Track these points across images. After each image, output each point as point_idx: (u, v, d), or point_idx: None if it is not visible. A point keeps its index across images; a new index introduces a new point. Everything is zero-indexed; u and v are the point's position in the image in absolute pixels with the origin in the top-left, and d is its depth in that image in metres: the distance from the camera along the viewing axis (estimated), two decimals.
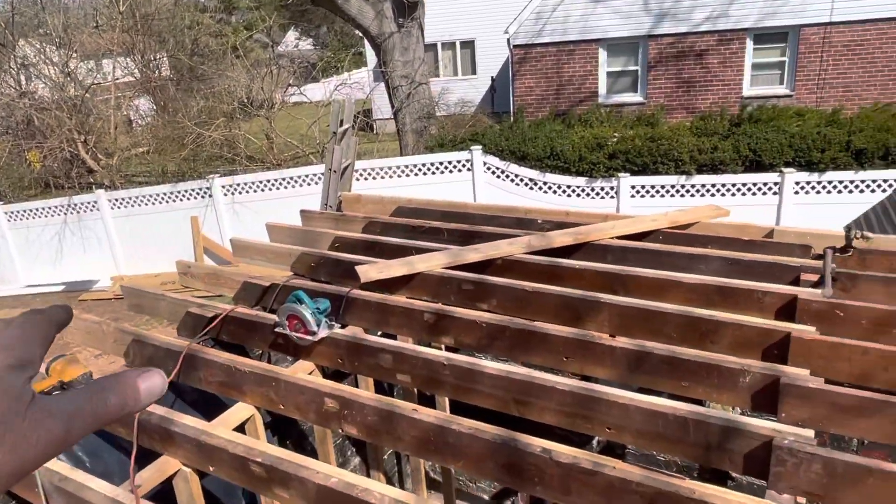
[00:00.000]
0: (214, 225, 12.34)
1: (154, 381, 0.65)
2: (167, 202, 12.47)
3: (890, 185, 8.92)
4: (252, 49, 26.58)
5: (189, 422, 2.54)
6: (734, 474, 4.35)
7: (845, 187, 9.34)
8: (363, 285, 3.55)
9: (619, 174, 9.73)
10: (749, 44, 12.70)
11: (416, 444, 2.39)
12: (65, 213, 13.03)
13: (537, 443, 2.15)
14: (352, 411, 2.55)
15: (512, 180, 10.28)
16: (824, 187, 9.36)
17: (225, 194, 12.19)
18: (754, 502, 1.85)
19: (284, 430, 4.24)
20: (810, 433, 2.08)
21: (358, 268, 3.57)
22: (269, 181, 11.88)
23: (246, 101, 16.11)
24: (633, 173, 9.80)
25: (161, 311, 3.78)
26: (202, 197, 12.28)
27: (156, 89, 19.37)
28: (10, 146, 17.17)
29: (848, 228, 3.50)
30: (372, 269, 3.56)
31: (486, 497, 5.43)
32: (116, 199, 12.76)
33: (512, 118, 12.75)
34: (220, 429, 2.52)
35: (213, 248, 12.42)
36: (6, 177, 16.92)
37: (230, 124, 14.90)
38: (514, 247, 3.68)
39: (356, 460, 4.81)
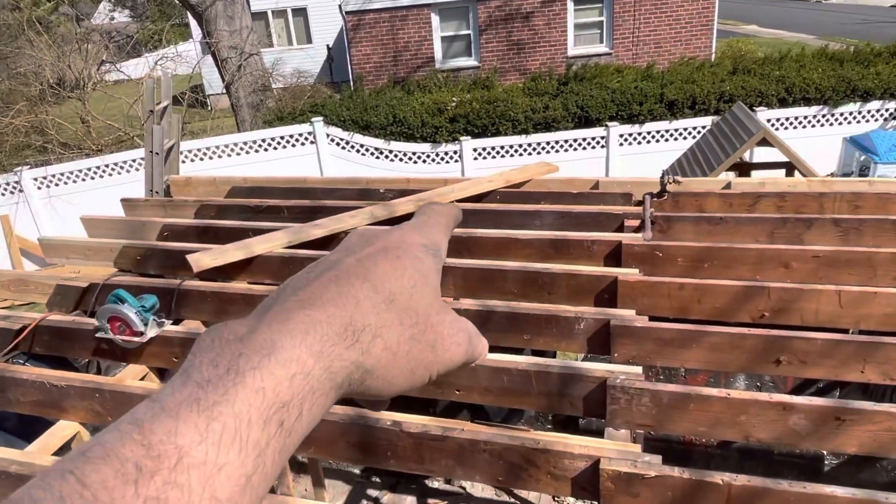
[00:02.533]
0: (30, 222, 11.01)
1: (484, 343, 0.57)
2: None
3: (698, 132, 9.87)
4: (59, 23, 23.73)
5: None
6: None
7: (661, 136, 10.21)
8: (198, 275, 3.31)
9: (462, 137, 9.90)
10: (570, 4, 13.34)
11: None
12: None
13: (387, 416, 2.12)
14: None
15: (358, 150, 10.11)
16: (644, 138, 10.16)
17: (38, 188, 10.88)
18: (595, 442, 1.95)
19: None
20: (638, 370, 2.23)
21: (189, 256, 3.31)
22: (89, 169, 10.75)
23: (54, 82, 14.38)
24: (475, 136, 10.02)
25: None
26: (11, 192, 10.89)
27: None
28: None
29: (663, 174, 3.79)
30: (205, 257, 3.32)
31: (356, 471, 5.41)
32: None
33: (352, 87, 12.49)
34: (39, 456, 2.24)
35: (32, 248, 11.06)
36: None
37: (36, 109, 13.22)
38: (356, 219, 3.60)
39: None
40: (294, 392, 0.38)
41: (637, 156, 9.97)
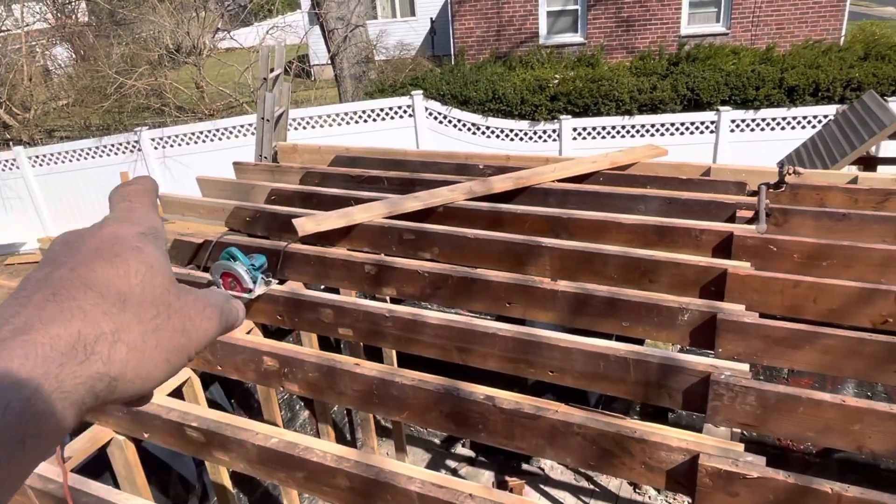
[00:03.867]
0: None
1: (239, 306, 0.56)
2: (93, 157, 11.79)
3: (819, 121, 9.19)
4: None
5: None
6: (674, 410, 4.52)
7: (778, 124, 9.57)
8: (301, 239, 3.43)
9: (561, 116, 9.69)
10: None
11: (359, 398, 2.35)
12: None
13: (480, 390, 2.14)
14: (292, 369, 2.48)
15: (454, 125, 10.11)
16: (758, 125, 9.56)
17: (155, 148, 11.60)
18: (693, 437, 1.89)
19: (230, 386, 4.16)
20: (745, 367, 2.13)
21: (295, 221, 3.44)
22: (201, 133, 11.34)
23: (172, 47, 15.23)
24: (575, 115, 9.78)
25: None
26: (131, 151, 11.66)
27: (73, 36, 18.08)
28: None
29: (781, 164, 3.57)
30: (309, 222, 3.44)
31: (436, 441, 5.51)
32: (37, 156, 11.98)
33: (453, 61, 12.47)
34: (155, 395, 2.41)
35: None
36: None
37: (156, 73, 14.08)
38: (454, 193, 3.61)
39: (305, 414, 4.77)
40: (8, 423, 0.35)
41: (749, 144, 9.41)
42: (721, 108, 9.62)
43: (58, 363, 0.38)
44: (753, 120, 9.58)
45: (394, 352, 4.28)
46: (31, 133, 14.93)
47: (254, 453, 2.08)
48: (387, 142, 9.34)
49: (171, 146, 11.57)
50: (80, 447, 2.38)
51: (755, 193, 3.54)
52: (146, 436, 2.37)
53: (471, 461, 5.25)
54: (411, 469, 1.86)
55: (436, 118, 10.25)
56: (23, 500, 2.07)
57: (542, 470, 5.10)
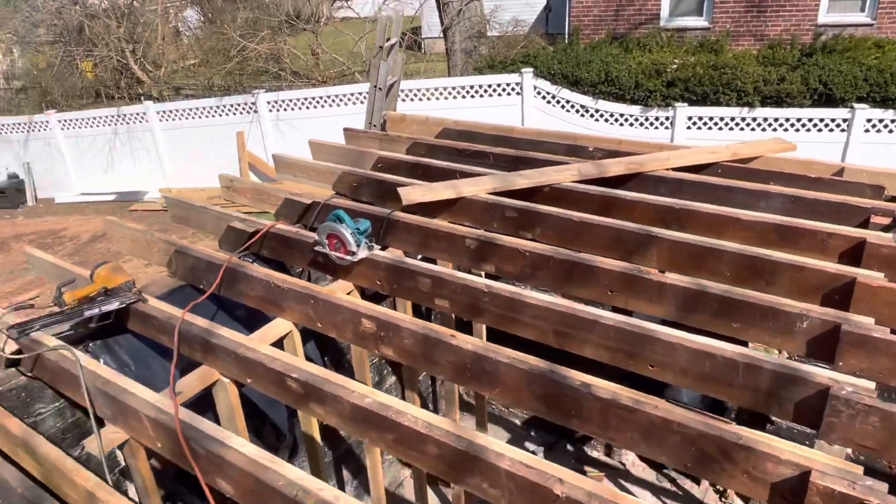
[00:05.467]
0: (259, 141, 12.33)
1: None
2: (213, 116, 12.46)
3: None
4: None
5: (228, 334, 2.56)
6: (774, 419, 4.27)
7: None
8: (405, 207, 3.47)
9: (677, 103, 9.24)
10: None
11: (453, 369, 2.36)
12: (115, 124, 13.17)
13: (577, 376, 2.09)
14: (389, 333, 2.53)
15: (562, 106, 9.88)
16: None
17: (270, 110, 12.10)
18: (805, 452, 1.76)
19: (325, 344, 4.31)
20: (870, 385, 1.96)
21: (401, 189, 3.48)
22: (314, 98, 11.71)
23: (293, 13, 15.73)
24: (692, 103, 9.29)
25: (204, 223, 3.79)
26: (247, 112, 12.23)
27: (203, 0, 19.08)
28: (62, 54, 17.29)
29: None
30: (415, 192, 3.47)
31: (517, 422, 5.50)
32: (164, 112, 12.81)
33: (566, 40, 12.16)
34: (259, 343, 2.53)
35: (257, 164, 12.45)
36: (59, 85, 17.13)
37: (276, 38, 14.62)
38: (563, 174, 3.53)
39: (392, 379, 4.88)
40: None
41: (886, 146, 8.60)
42: (856, 105, 8.85)
43: None
44: (893, 121, 8.75)
45: (483, 328, 4.28)
46: (160, 89, 15.96)
47: (348, 410, 2.14)
48: (491, 118, 9.26)
49: (285, 110, 12.01)
50: (189, 384, 2.54)
51: (895, 199, 3.24)
52: (249, 381, 2.49)
53: (549, 447, 5.20)
54: (502, 446, 1.85)
55: (544, 97, 10.05)
56: (138, 425, 2.24)
57: (623, 465, 4.98)
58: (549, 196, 3.49)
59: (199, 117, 12.68)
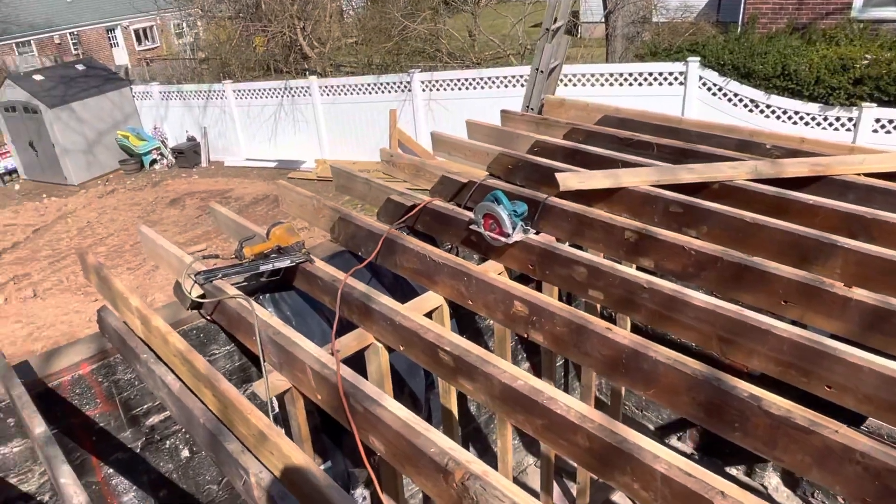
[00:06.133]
0: (410, 119, 12.70)
1: None
2: (369, 93, 12.99)
3: None
4: None
5: (386, 301, 2.66)
6: None
7: None
8: (561, 193, 3.42)
9: (863, 103, 8.30)
10: None
11: (604, 362, 2.30)
12: (281, 96, 14.14)
13: (745, 387, 1.95)
14: (540, 318, 2.51)
15: (729, 100, 9.21)
16: None
17: (423, 90, 12.40)
18: None
19: (465, 325, 4.38)
20: None
21: (558, 175, 3.43)
22: (466, 80, 11.83)
23: None
24: (882, 104, 8.29)
25: (365, 194, 3.97)
26: (401, 91, 12.61)
27: None
28: (241, 29, 18.79)
29: None
30: (573, 178, 3.40)
31: (650, 427, 5.30)
32: (326, 87, 13.54)
33: (739, 29, 11.31)
34: (414, 313, 2.61)
35: (406, 142, 12.84)
36: (236, 57, 18.66)
37: (435, 18, 14.93)
38: (736, 171, 3.30)
39: (526, 365, 4.88)
40: None
41: None
42: None
43: None
44: None
45: (628, 322, 4.14)
46: (323, 66, 16.89)
47: (498, 389, 2.15)
48: (649, 108, 8.86)
49: (438, 90, 12.26)
50: (347, 344, 2.68)
51: None
52: (402, 348, 2.58)
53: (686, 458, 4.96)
54: (658, 447, 1.78)
55: (709, 89, 9.45)
56: (302, 376, 2.40)
57: (765, 488, 4.65)
58: (717, 193, 3.28)
59: (357, 93, 13.26)
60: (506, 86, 11.36)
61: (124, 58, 31.80)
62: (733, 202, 3.11)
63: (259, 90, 14.57)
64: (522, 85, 10.77)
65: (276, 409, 3.04)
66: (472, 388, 2.28)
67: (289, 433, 2.76)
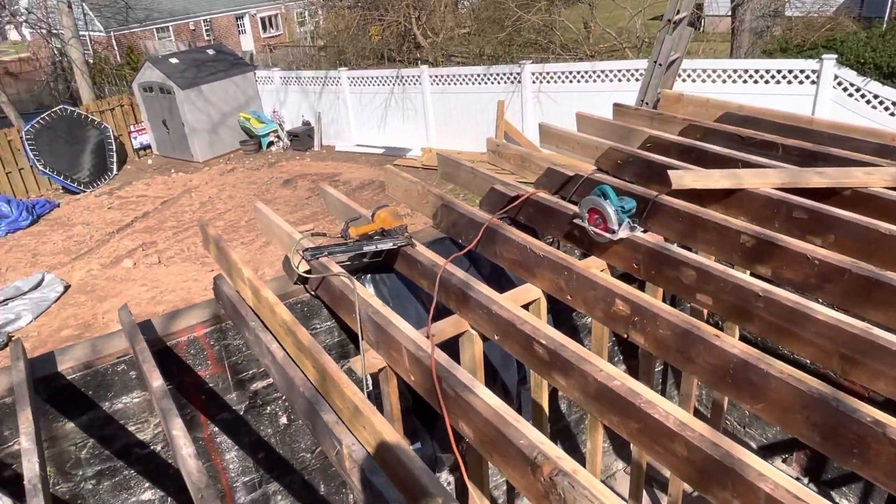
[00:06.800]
0: (517, 111, 12.60)
1: None
2: (478, 83, 13.01)
3: None
4: None
5: (484, 290, 2.66)
6: None
7: None
8: (672, 192, 3.27)
9: None
10: None
11: (711, 372, 2.18)
12: (392, 84, 14.45)
13: (868, 411, 1.79)
14: (643, 319, 2.42)
15: (868, 102, 8.45)
16: None
17: (533, 82, 12.26)
18: None
19: (560, 320, 4.31)
20: None
21: (671, 172, 3.27)
22: (579, 72, 11.58)
23: None
24: None
25: (469, 183, 3.97)
26: (511, 82, 12.54)
27: None
28: (359, 18, 19.36)
29: None
30: (687, 176, 3.24)
31: (753, 445, 5.00)
32: (436, 76, 13.70)
33: (885, 25, 10.35)
34: (511, 303, 2.59)
35: (513, 133, 12.76)
36: (352, 45, 19.26)
37: (550, 8, 14.69)
38: (873, 177, 3.02)
39: (622, 367, 4.74)
40: None
41: None
42: None
43: None
44: None
45: (736, 331, 3.91)
46: (435, 55, 17.09)
47: (593, 388, 2.09)
48: (775, 108, 8.29)
49: (548, 82, 12.08)
50: (443, 329, 2.70)
51: None
52: (497, 338, 2.57)
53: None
54: (764, 465, 1.66)
55: (845, 90, 8.72)
56: (397, 356, 2.44)
57: None
58: (848, 200, 3.02)
59: (466, 83, 13.32)
60: (619, 79, 11.03)
61: (250, 44, 33.68)
62: (867, 211, 2.85)
63: (372, 78, 14.95)
64: (637, 79, 10.40)
65: (371, 387, 3.12)
66: (565, 383, 2.23)
67: (381, 411, 2.83)
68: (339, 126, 16.00)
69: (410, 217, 8.79)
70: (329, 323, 3.31)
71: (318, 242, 3.12)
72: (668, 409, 1.90)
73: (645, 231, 3.08)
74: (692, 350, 2.23)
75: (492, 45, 15.67)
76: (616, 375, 2.07)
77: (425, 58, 16.98)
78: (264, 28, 36.25)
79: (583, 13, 15.00)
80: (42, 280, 8.61)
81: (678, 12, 4.61)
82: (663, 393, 5.11)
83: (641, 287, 3.93)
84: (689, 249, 3.15)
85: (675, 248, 2.80)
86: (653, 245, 2.79)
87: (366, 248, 2.97)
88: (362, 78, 15.18)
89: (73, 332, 8.00)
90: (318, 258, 2.95)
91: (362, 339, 2.59)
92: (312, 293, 3.12)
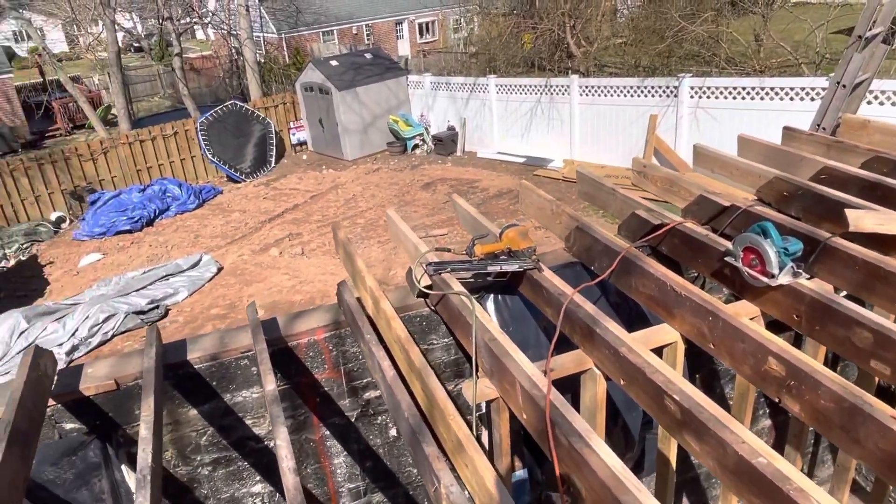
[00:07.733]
0: (670, 127, 11.89)
1: None
2: (630, 96, 12.43)
3: None
4: None
5: (613, 328, 2.42)
6: None
7: None
8: (848, 234, 2.82)
9: None
10: None
11: (881, 459, 1.81)
12: (540, 93, 14.21)
13: None
14: (800, 385, 2.07)
15: None
16: None
17: (691, 96, 11.50)
18: None
19: (698, 363, 3.92)
20: None
21: (849, 211, 2.83)
22: (744, 88, 10.68)
23: None
24: None
25: (608, 205, 3.72)
26: (666, 96, 11.85)
27: None
28: (512, 25, 19.33)
29: None
30: (869, 218, 2.79)
31: None
32: (586, 87, 13.28)
33: None
34: (641, 347, 2.34)
35: (664, 150, 12.07)
36: (503, 53, 19.26)
37: (718, 19, 13.73)
38: None
39: (767, 423, 4.23)
40: None
41: None
42: None
43: None
44: None
45: None
46: (587, 65, 16.64)
47: (732, 461, 1.81)
48: None
49: (707, 97, 11.28)
50: (563, 364, 2.50)
51: None
52: (622, 383, 2.33)
53: None
54: None
55: None
56: (511, 389, 2.28)
57: None
58: None
59: (616, 95, 12.80)
60: (791, 98, 10.04)
61: (406, 49, 34.96)
62: None
63: (519, 86, 14.83)
64: (813, 99, 9.41)
65: (483, 410, 2.99)
66: (698, 449, 1.95)
67: (490, 437, 2.68)
68: (482, 132, 16.06)
69: (544, 232, 8.56)
70: (447, 340, 3.22)
71: (442, 257, 3.03)
72: (822, 501, 1.58)
73: (810, 277, 2.68)
74: (861, 430, 1.87)
75: (649, 57, 14.95)
76: (761, 450, 1.77)
77: (576, 67, 16.59)
78: (421, 34, 37.49)
79: (754, 24, 13.88)
80: (200, 260, 9.36)
81: (872, 27, 4.04)
82: (814, 456, 4.51)
83: (797, 340, 3.48)
84: (863, 304, 2.70)
85: (846, 301, 2.40)
86: (820, 296, 2.41)
87: (490, 269, 2.84)
88: (510, 85, 15.11)
89: (221, 311, 8.63)
90: (440, 273, 2.86)
91: (476, 367, 2.45)
92: (432, 308, 3.05)
